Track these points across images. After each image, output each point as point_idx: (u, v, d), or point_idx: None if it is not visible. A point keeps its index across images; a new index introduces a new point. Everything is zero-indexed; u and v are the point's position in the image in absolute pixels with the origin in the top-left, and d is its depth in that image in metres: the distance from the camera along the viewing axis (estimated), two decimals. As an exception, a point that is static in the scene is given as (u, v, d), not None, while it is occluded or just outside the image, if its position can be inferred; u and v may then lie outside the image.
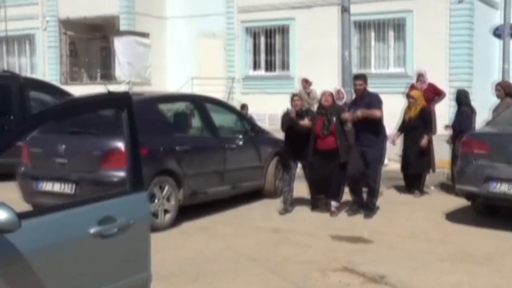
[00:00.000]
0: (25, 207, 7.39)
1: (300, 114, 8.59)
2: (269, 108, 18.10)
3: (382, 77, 17.84)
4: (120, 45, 20.70)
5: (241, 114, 10.58)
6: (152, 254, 3.69)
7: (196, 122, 9.06)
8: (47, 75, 22.13)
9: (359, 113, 8.08)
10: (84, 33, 22.69)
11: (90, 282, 3.22)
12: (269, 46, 20.42)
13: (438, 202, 9.13)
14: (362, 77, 8.47)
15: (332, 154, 8.19)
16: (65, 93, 12.74)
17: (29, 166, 7.83)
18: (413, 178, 9.95)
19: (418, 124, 9.65)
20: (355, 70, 17.47)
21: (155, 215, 7.37)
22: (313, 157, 8.34)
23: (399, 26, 18.16)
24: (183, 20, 21.35)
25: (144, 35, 21.17)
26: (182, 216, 7.78)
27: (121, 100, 3.62)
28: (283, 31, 20.05)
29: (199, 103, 9.13)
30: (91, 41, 23.11)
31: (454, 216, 8.13)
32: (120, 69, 20.80)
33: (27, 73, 22.53)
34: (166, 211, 7.58)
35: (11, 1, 23.20)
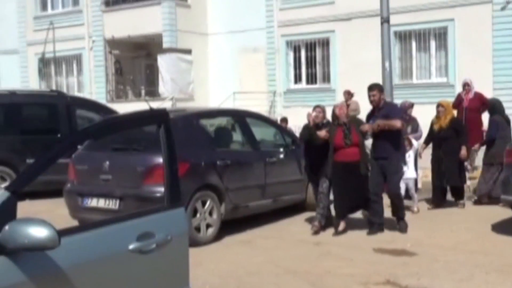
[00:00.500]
0: (73, 223, 7.56)
1: (320, 126, 8.23)
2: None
3: (424, 87, 17.63)
4: (163, 62, 21.01)
5: (282, 128, 10.59)
6: (194, 267, 3.71)
7: (237, 136, 9.11)
8: (94, 93, 22.62)
9: (379, 122, 7.72)
10: (129, 51, 23.12)
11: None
12: (310, 59, 20.40)
13: (480, 213, 8.94)
14: (376, 87, 8.05)
15: (354, 166, 7.79)
16: (110, 111, 13.00)
17: (75, 182, 8.00)
18: (452, 191, 9.66)
19: (449, 135, 9.34)
20: (397, 81, 17.36)
21: (197, 229, 7.42)
22: (332, 170, 7.91)
23: (440, 35, 17.90)
24: (225, 35, 21.55)
25: (186, 51, 21.45)
26: (224, 230, 7.82)
27: (158, 117, 3.67)
28: (324, 43, 20.02)
29: (240, 117, 9.18)
30: (135, 59, 23.52)
31: (498, 227, 7.94)
32: (164, 86, 21.09)
33: (74, 92, 23.10)
34: (208, 226, 7.62)
35: (59, 23, 23.85)
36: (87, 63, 23.50)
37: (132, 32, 21.43)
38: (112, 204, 7.43)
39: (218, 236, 7.69)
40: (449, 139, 9.32)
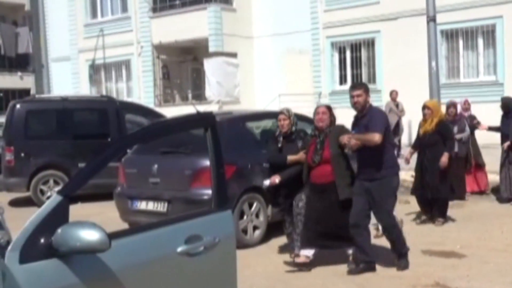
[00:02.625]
0: (123, 225, 7.67)
1: (290, 136, 6.77)
2: (357, 122, 17.95)
3: (472, 86, 17.23)
4: (209, 66, 21.16)
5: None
6: (241, 270, 3.71)
7: (283, 138, 9.06)
8: (142, 98, 22.95)
9: (353, 141, 5.99)
10: (176, 56, 23.37)
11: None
12: (355, 60, 20.22)
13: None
14: (361, 87, 6.25)
15: (327, 190, 6.19)
16: (158, 115, 13.17)
17: (125, 186, 8.12)
18: (433, 204, 8.42)
19: (434, 140, 8.24)
20: (444, 80, 17.04)
21: (244, 231, 7.44)
22: (308, 192, 6.39)
23: (488, 33, 17.48)
24: (270, 38, 21.56)
25: (232, 55, 21.55)
26: (271, 232, 7.80)
27: (205, 120, 3.68)
28: (369, 44, 19.81)
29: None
30: (182, 64, 23.75)
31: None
32: (210, 89, 21.23)
33: (124, 97, 23.49)
34: (255, 228, 7.63)
35: (108, 30, 24.31)
36: (136, 68, 23.86)
37: (179, 37, 21.66)
38: (160, 207, 7.51)
39: (265, 239, 7.68)
40: (434, 145, 8.25)
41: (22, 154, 11.54)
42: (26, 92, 38.26)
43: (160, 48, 22.92)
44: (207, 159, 6.49)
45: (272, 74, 21.39)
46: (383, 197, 6.05)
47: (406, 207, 9.20)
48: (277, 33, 21.26)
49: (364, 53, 20.01)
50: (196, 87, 23.40)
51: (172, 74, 23.58)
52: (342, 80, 20.58)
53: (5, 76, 41.98)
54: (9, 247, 2.67)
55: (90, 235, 2.66)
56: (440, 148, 8.22)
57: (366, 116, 6.11)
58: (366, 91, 6.19)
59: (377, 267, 6.27)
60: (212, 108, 18.07)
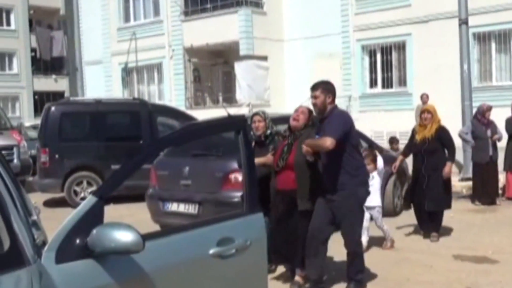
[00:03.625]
0: (155, 227, 7.73)
1: (263, 141, 6.28)
2: (387, 126, 17.80)
3: (505, 89, 16.98)
4: (240, 69, 21.23)
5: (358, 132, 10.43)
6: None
7: (313, 141, 9.03)
8: (174, 100, 23.13)
9: (304, 147, 5.36)
10: (207, 59, 23.49)
11: (210, 301, 3.28)
12: (385, 63, 20.09)
13: None
14: (319, 87, 5.56)
15: (291, 198, 5.58)
16: (189, 118, 13.24)
17: (156, 188, 8.18)
18: (429, 216, 7.76)
19: (434, 148, 7.64)
20: (476, 84, 16.81)
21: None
22: (275, 198, 5.79)
23: (522, 36, 17.22)
24: (300, 41, 21.54)
25: (263, 58, 21.58)
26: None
27: (237, 123, 3.69)
28: (400, 47, 19.66)
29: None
30: (213, 67, 23.87)
31: None
32: (241, 92, 21.30)
33: (155, 100, 23.71)
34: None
35: (141, 33, 24.57)
36: (167, 71, 24.06)
37: (210, 40, 21.77)
38: (191, 209, 7.55)
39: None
40: (434, 153, 7.65)
41: (57, 156, 11.72)
42: (60, 94, 38.99)
43: (191, 51, 23.07)
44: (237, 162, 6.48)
45: (302, 77, 21.31)
46: (346, 210, 5.34)
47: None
48: (307, 36, 21.23)
49: (394, 56, 19.86)
50: (227, 90, 23.48)
51: (203, 77, 23.70)
52: (373, 83, 20.46)
53: (40, 79, 42.86)
54: (46, 247, 2.71)
55: (124, 236, 2.67)
56: (441, 155, 7.66)
57: (326, 119, 5.44)
58: (326, 91, 5.50)
59: (407, 272, 6.20)
60: (243, 111, 18.11)
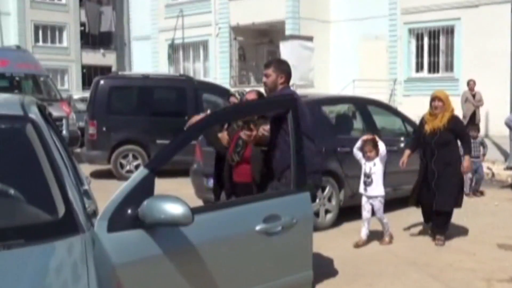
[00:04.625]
0: (198, 202, 7.79)
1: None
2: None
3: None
4: (285, 49, 21.05)
5: (404, 116, 10.26)
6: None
7: (358, 123, 8.95)
8: (218, 78, 23.18)
9: (242, 134, 4.93)
10: (253, 38, 23.43)
11: (255, 277, 3.29)
12: (432, 47, 19.68)
13: None
14: (272, 64, 5.09)
15: (250, 188, 4.95)
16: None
17: (201, 164, 8.22)
18: (436, 216, 6.83)
19: (446, 140, 6.69)
20: (527, 71, 16.30)
21: (316, 214, 7.39)
22: (231, 190, 5.31)
23: None
24: (347, 23, 21.26)
25: (308, 38, 21.37)
26: (342, 217, 7.73)
27: (287, 102, 3.67)
28: (448, 31, 19.21)
29: (361, 104, 9.01)
30: (258, 46, 23.80)
31: None
32: (287, 72, 21.16)
33: (200, 77, 23.78)
34: (327, 211, 7.58)
35: (188, 11, 24.61)
36: (213, 49, 24.09)
37: (256, 19, 21.68)
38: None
39: (336, 223, 7.62)
40: (446, 146, 6.69)
41: (104, 129, 11.89)
42: (107, 69, 39.45)
43: (237, 30, 23.03)
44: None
45: (348, 59, 21.10)
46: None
47: (480, 199, 8.90)
48: (354, 18, 20.94)
49: (442, 41, 19.44)
50: (271, 70, 23.36)
51: (248, 56, 23.68)
52: (419, 67, 20.09)
53: (89, 53, 43.44)
54: (99, 216, 2.75)
55: (174, 209, 2.69)
56: (453, 148, 6.78)
57: None
58: (280, 70, 4.97)
59: (449, 258, 6.11)
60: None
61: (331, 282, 5.41)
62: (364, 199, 6.76)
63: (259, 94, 5.48)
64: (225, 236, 3.12)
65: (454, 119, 6.80)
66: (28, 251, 2.30)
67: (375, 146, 6.68)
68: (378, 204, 6.74)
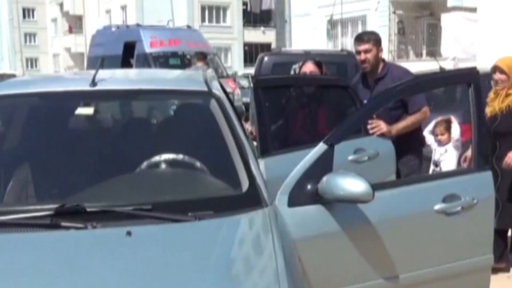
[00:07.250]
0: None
1: None
2: None
3: None
4: (447, 21, 20.06)
5: None
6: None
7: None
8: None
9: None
10: (412, 11, 22.58)
11: (432, 258, 3.11)
12: None
13: None
14: (371, 38, 4.56)
15: None
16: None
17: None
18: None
19: (510, 126, 4.63)
20: None
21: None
22: None
23: None
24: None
25: (472, 10, 20.07)
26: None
27: (468, 76, 3.40)
28: None
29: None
30: (418, 19, 22.88)
31: None
32: (446, 45, 20.16)
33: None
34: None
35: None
36: (372, 23, 23.50)
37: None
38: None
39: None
40: (510, 136, 4.62)
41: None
42: (267, 46, 40.18)
43: (396, 3, 22.30)
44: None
45: (515, 31, 19.52)
46: None
47: None
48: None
49: None
50: (431, 43, 22.40)
51: (407, 29, 22.88)
52: None
53: (250, 31, 44.54)
54: (279, 191, 2.72)
55: (355, 186, 2.59)
56: None
57: (382, 79, 4.40)
58: (378, 42, 4.46)
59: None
60: (447, 64, 17.12)
61: None
62: None
63: (318, 64, 5.09)
64: (403, 214, 2.96)
65: None
66: (217, 222, 2.32)
67: (448, 129, 5.46)
68: None
